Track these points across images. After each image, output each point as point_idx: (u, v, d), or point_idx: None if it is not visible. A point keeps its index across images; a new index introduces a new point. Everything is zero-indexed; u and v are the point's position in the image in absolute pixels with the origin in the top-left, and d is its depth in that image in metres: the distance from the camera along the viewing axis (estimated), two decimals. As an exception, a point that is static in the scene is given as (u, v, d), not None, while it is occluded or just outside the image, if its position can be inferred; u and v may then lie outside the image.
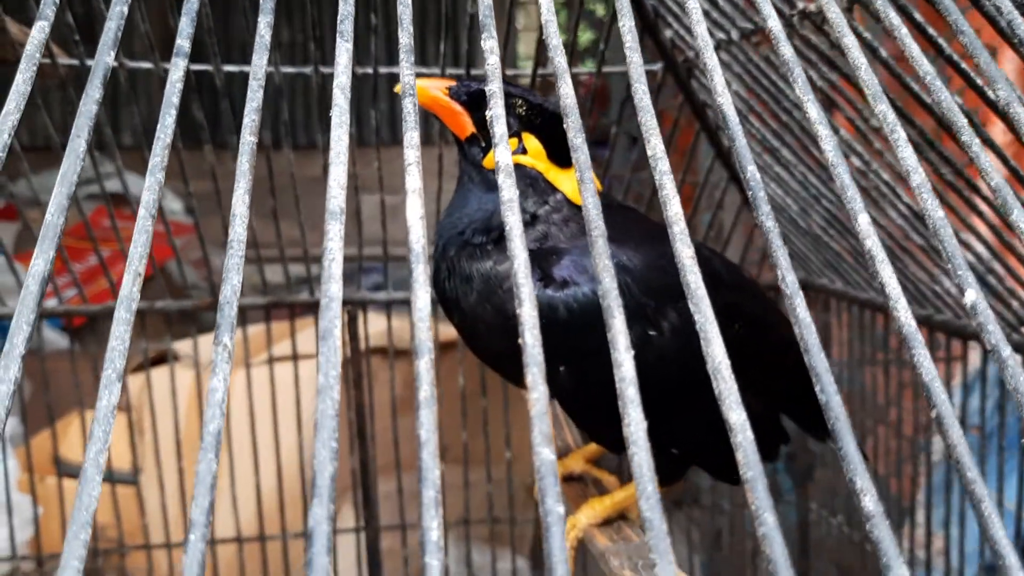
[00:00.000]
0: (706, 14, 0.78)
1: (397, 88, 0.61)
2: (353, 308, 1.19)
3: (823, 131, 0.36)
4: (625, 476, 0.76)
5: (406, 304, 1.22)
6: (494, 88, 0.37)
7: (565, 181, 0.61)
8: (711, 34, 0.84)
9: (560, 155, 0.61)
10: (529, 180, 0.61)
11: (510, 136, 0.62)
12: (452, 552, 1.37)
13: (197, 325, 1.24)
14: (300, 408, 1.23)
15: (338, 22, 0.39)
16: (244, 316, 1.26)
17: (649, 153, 0.35)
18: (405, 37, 0.39)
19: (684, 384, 0.58)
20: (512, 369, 0.65)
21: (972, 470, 0.28)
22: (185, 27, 0.38)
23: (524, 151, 0.61)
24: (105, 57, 0.36)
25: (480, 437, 1.25)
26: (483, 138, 0.61)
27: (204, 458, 0.26)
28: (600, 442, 0.65)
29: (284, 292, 1.23)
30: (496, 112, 0.36)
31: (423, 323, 0.29)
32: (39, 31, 0.38)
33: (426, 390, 0.28)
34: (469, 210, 0.61)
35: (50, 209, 0.31)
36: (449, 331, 1.38)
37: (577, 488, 0.73)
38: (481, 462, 1.33)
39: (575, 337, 0.57)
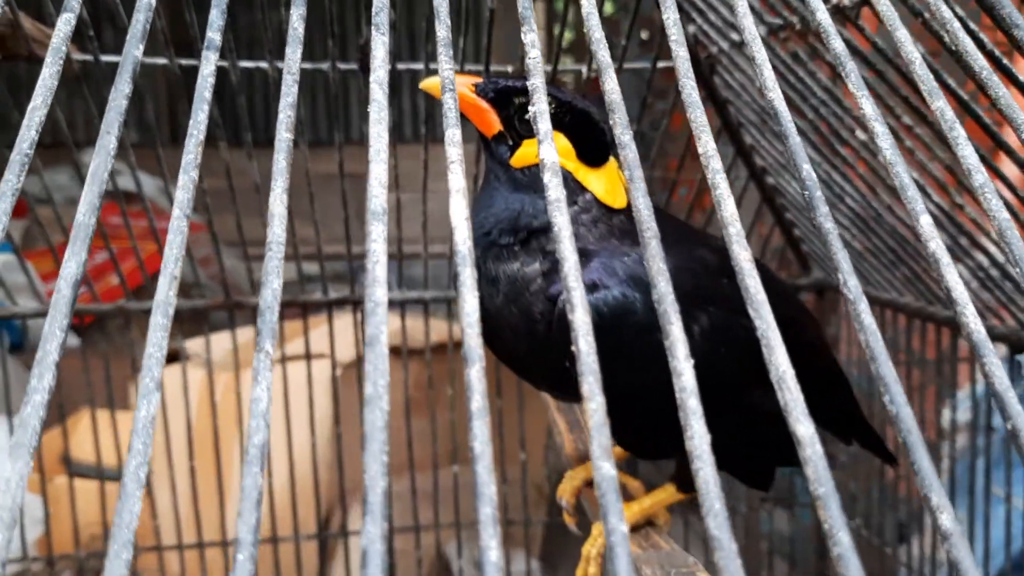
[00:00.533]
0: (729, 10, 0.76)
1: (425, 84, 0.60)
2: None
3: (879, 128, 0.35)
4: (646, 481, 0.74)
5: (419, 304, 1.21)
6: (536, 83, 0.36)
7: (594, 181, 0.60)
8: (734, 31, 0.83)
9: (589, 154, 0.60)
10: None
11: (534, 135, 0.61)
12: (465, 554, 1.36)
13: (208, 324, 1.23)
14: (313, 408, 1.21)
15: (373, 14, 0.38)
16: (255, 314, 1.25)
17: (700, 151, 0.34)
18: (443, 31, 0.37)
19: (714, 388, 0.57)
20: (534, 371, 0.63)
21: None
22: (215, 19, 0.37)
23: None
24: (134, 51, 0.35)
25: (495, 438, 1.23)
26: (510, 136, 0.60)
27: (249, 472, 0.25)
28: (627, 447, 0.64)
29: (297, 289, 1.21)
30: (540, 108, 0.35)
31: (472, 330, 0.28)
32: (64, 23, 0.37)
33: (478, 401, 0.26)
34: (496, 210, 0.60)
35: (81, 209, 0.30)
36: (458, 331, 1.36)
37: (601, 492, 0.71)
38: (495, 463, 1.32)
39: (604, 340, 0.55)
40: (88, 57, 0.85)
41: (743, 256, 0.30)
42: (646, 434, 0.61)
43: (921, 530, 1.41)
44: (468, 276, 0.29)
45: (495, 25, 0.79)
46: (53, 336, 0.27)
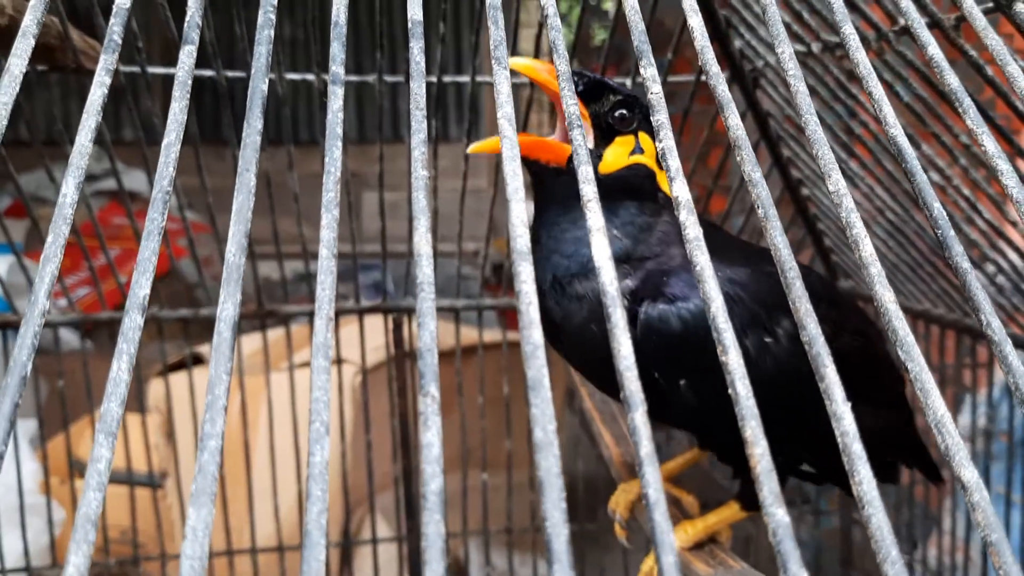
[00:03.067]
0: (787, 26, 0.76)
1: (472, 149, 0.59)
2: (399, 315, 1.18)
3: (1004, 166, 0.35)
4: (704, 498, 0.75)
5: (450, 312, 1.21)
6: (661, 119, 0.36)
7: (663, 181, 0.60)
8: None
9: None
10: (647, 179, 0.59)
11: (627, 132, 0.60)
12: (496, 563, 1.36)
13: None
14: (342, 414, 1.21)
15: (492, 48, 0.38)
16: (287, 321, 1.25)
17: (831, 188, 0.34)
18: (563, 65, 0.37)
19: (802, 392, 0.57)
20: (613, 386, 0.63)
21: None
22: (337, 53, 0.37)
23: (641, 151, 0.59)
24: (260, 84, 0.35)
25: (525, 443, 1.24)
26: (596, 140, 0.59)
27: (431, 519, 0.25)
28: (724, 459, 0.64)
29: (278, 289, 1.21)
30: (668, 145, 0.35)
31: (631, 372, 0.28)
32: (188, 56, 0.37)
33: (647, 447, 0.27)
34: (580, 232, 0.58)
35: (230, 249, 0.30)
36: (487, 335, 1.37)
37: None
38: (524, 467, 1.33)
39: (695, 350, 0.55)
40: (135, 68, 0.85)
41: (887, 297, 0.31)
42: (733, 438, 0.61)
43: (940, 532, 1.43)
44: (532, 312, 0.29)
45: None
46: (220, 381, 0.27)
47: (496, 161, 0.92)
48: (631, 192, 0.58)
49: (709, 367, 0.56)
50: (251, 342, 1.35)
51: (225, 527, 1.22)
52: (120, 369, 0.28)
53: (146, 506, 1.30)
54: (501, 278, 1.34)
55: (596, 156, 0.59)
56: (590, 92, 0.58)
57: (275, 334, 1.38)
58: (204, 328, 1.47)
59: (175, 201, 1.16)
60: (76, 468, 1.38)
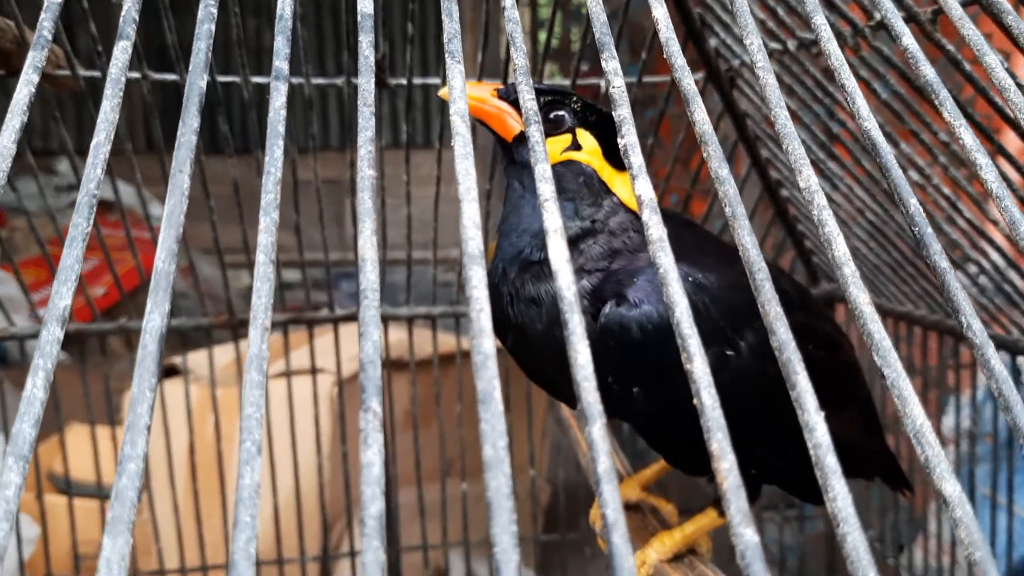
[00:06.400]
0: (762, 24, 0.75)
1: (442, 93, 0.58)
2: (374, 323, 1.15)
3: (982, 160, 0.33)
4: (679, 503, 0.73)
5: (427, 319, 1.19)
6: (624, 114, 0.34)
7: (619, 185, 0.59)
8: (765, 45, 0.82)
9: (615, 156, 0.58)
10: (584, 178, 0.58)
11: (563, 132, 0.59)
12: (478, 573, 1.34)
13: (209, 340, 1.20)
14: (319, 425, 1.19)
15: (446, 41, 0.36)
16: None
17: (803, 185, 0.32)
18: (520, 58, 0.36)
19: (761, 404, 0.56)
20: (570, 391, 0.62)
21: None
22: (281, 47, 0.35)
23: (579, 147, 0.58)
24: (199, 81, 0.33)
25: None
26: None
27: (369, 546, 0.23)
28: (674, 463, 0.63)
29: (277, 296, 1.19)
30: (630, 140, 0.33)
31: (588, 383, 0.26)
32: (121, 51, 0.35)
33: (604, 462, 0.25)
34: (525, 224, 0.58)
35: (159, 255, 0.28)
36: (465, 343, 1.35)
37: (635, 518, 0.70)
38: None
39: (650, 357, 0.54)
40: (96, 73, 0.83)
41: (861, 299, 0.29)
42: (692, 451, 0.59)
43: (926, 535, 1.41)
44: (577, 324, 0.27)
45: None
46: (143, 398, 0.25)
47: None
48: (564, 189, 0.57)
49: (664, 376, 0.55)
50: (223, 354, 1.32)
51: (200, 543, 1.19)
52: (35, 387, 0.26)
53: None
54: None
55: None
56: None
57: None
58: (177, 339, 1.44)
59: (145, 212, 1.13)
60: (52, 483, 1.35)
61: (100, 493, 1.18)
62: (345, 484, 1.19)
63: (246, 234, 1.00)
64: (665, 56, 0.36)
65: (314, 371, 1.20)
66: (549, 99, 0.58)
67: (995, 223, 0.80)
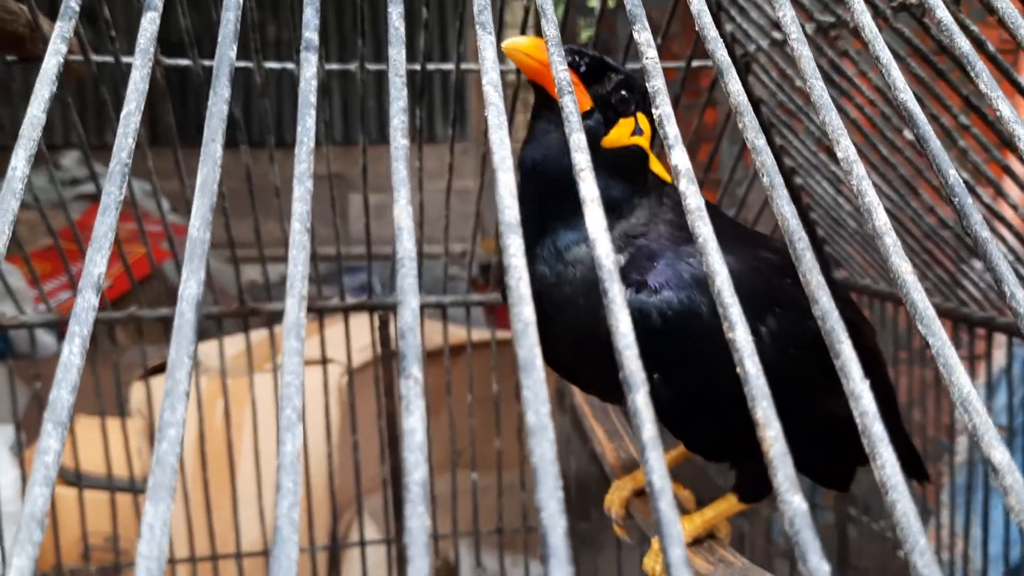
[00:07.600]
0: (769, 7, 0.74)
1: (508, 46, 0.55)
2: (385, 313, 1.15)
3: (1021, 131, 0.33)
4: (699, 495, 0.73)
5: (437, 308, 1.19)
6: (658, 85, 0.34)
7: (655, 163, 0.59)
8: (776, 30, 0.81)
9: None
10: (642, 161, 0.57)
11: (628, 115, 0.58)
12: (487, 564, 1.33)
13: (220, 331, 1.20)
14: (329, 415, 1.19)
15: (476, 13, 0.36)
16: (270, 321, 1.22)
17: (841, 155, 0.32)
18: (552, 29, 0.35)
19: (781, 389, 0.56)
20: (589, 371, 0.61)
21: None
22: (311, 19, 0.35)
23: (641, 132, 0.57)
24: (228, 52, 0.33)
25: (515, 443, 1.21)
26: (604, 115, 0.56)
27: (414, 512, 0.22)
28: (695, 449, 0.62)
29: (262, 292, 1.18)
30: (665, 111, 0.33)
31: (631, 351, 0.26)
32: (149, 22, 0.34)
33: (649, 430, 0.24)
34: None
35: (193, 223, 0.28)
36: (476, 334, 1.34)
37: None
38: (493, 468, 1.30)
39: (671, 344, 0.54)
40: (109, 59, 0.82)
41: (903, 268, 0.28)
42: (714, 437, 0.59)
43: (938, 525, 1.41)
44: (618, 300, 0.27)
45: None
46: (181, 363, 0.25)
47: (488, 159, 0.90)
48: (624, 171, 0.57)
49: (684, 363, 0.54)
50: (234, 344, 1.32)
51: (210, 531, 1.19)
52: (72, 353, 0.26)
53: (128, 512, 1.27)
54: (488, 278, 1.32)
55: (604, 128, 0.56)
56: (592, 73, 0.56)
57: (258, 335, 1.35)
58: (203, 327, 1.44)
59: (155, 204, 1.13)
60: (62, 475, 1.35)
61: (110, 485, 1.18)
62: (355, 474, 1.19)
63: (258, 227, 1.00)
64: (697, 28, 0.36)
65: (324, 361, 1.19)
66: (621, 78, 0.57)
67: (1015, 208, 0.80)
